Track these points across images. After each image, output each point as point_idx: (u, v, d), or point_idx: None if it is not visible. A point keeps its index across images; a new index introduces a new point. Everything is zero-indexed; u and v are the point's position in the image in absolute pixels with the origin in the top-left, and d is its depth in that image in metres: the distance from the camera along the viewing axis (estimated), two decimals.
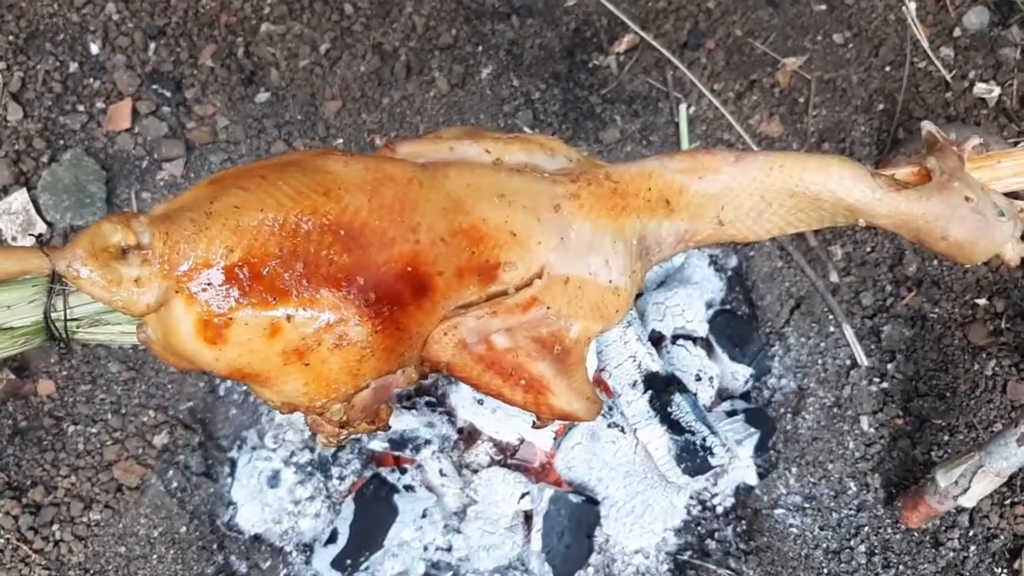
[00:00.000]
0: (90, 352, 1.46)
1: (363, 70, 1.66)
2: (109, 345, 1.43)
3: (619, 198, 0.92)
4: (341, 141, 1.62)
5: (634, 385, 1.44)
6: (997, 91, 1.79)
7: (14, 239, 1.49)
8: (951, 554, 1.41)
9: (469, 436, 1.46)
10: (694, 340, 1.54)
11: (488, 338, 0.87)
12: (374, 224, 0.80)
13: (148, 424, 1.45)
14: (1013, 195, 1.05)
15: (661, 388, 1.43)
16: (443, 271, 0.82)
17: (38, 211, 1.52)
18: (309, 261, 0.78)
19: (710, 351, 1.55)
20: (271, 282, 0.77)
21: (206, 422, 1.50)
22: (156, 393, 1.48)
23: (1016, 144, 1.71)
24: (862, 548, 1.43)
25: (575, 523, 1.39)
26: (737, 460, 1.46)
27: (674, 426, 1.41)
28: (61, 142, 1.58)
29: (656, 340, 1.53)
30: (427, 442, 1.41)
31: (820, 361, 1.55)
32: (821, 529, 1.45)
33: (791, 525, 1.45)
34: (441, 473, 1.42)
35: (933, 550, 1.41)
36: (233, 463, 1.47)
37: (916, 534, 1.43)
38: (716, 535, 1.46)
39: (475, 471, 1.44)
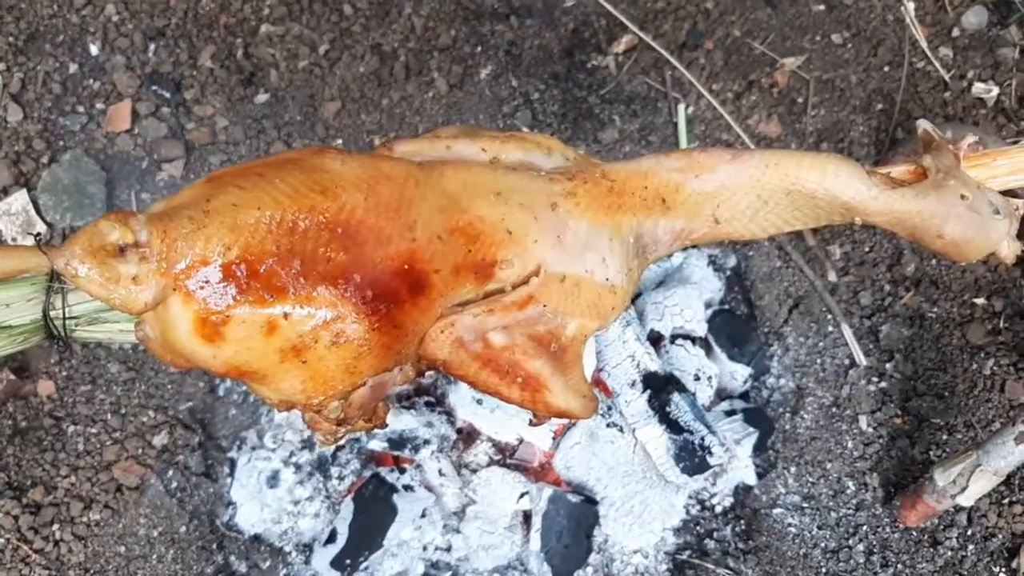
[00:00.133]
0: (90, 353, 1.46)
1: (362, 71, 1.67)
2: (108, 344, 1.44)
3: (615, 196, 0.92)
4: (340, 141, 1.62)
5: (633, 385, 1.44)
6: (995, 91, 1.79)
7: (14, 240, 1.49)
8: (949, 553, 1.41)
9: (468, 436, 1.46)
10: (693, 340, 1.54)
11: (485, 336, 0.87)
12: (371, 222, 0.81)
13: (148, 424, 1.46)
14: (1009, 193, 1.06)
15: (660, 388, 1.44)
16: (440, 269, 0.83)
17: (38, 212, 1.53)
18: (306, 259, 0.78)
19: (709, 351, 1.56)
20: (268, 280, 0.77)
21: (206, 422, 1.50)
22: (156, 393, 1.48)
23: (1014, 143, 1.71)
24: (860, 547, 1.43)
25: (574, 523, 1.39)
26: (736, 460, 1.46)
27: (673, 425, 1.41)
28: (61, 143, 1.59)
29: (655, 340, 1.53)
30: (426, 442, 1.42)
31: (819, 361, 1.55)
32: (820, 528, 1.45)
33: (790, 524, 1.45)
34: (440, 473, 1.42)
35: (931, 549, 1.41)
36: (232, 463, 1.47)
37: (914, 533, 1.43)
38: (715, 534, 1.46)
39: (474, 471, 1.44)
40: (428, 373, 1.39)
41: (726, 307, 1.61)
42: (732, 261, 1.64)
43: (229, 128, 1.61)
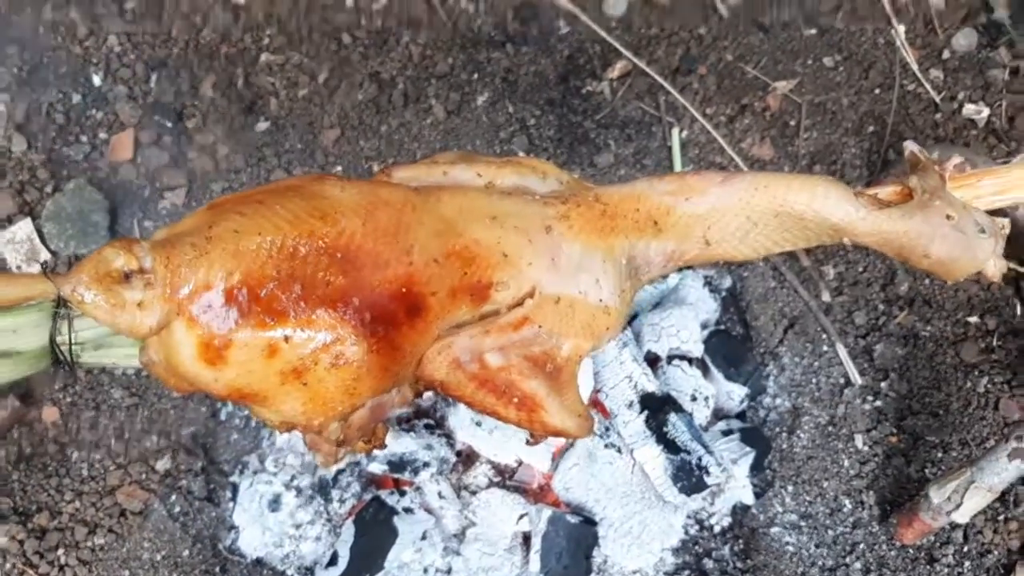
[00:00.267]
0: (93, 379, 1.48)
1: (361, 98, 1.70)
2: (113, 369, 1.46)
3: (608, 219, 0.95)
4: (340, 168, 1.65)
5: (630, 405, 1.45)
6: (986, 112, 1.82)
7: (19, 268, 1.51)
8: (946, 570, 1.42)
9: (467, 458, 1.47)
10: (689, 360, 1.55)
11: (481, 357, 0.89)
12: (369, 247, 0.83)
13: (151, 449, 1.47)
14: (996, 212, 1.08)
15: (657, 408, 1.45)
16: (436, 291, 0.85)
17: (42, 240, 1.55)
18: (306, 283, 0.80)
19: (705, 371, 1.57)
20: (269, 304, 0.79)
21: (208, 447, 1.52)
22: (159, 419, 1.50)
23: (1002, 163, 1.73)
24: (858, 565, 1.44)
25: (573, 544, 1.40)
26: (733, 479, 1.48)
27: (670, 446, 1.42)
28: (65, 172, 1.61)
29: (652, 360, 1.55)
30: (426, 464, 1.43)
31: (814, 380, 1.57)
32: (817, 547, 1.46)
33: (787, 543, 1.46)
34: (440, 495, 1.43)
35: (928, 566, 1.42)
36: (235, 487, 1.48)
37: (911, 551, 1.44)
38: (713, 554, 1.47)
39: (474, 493, 1.45)
40: (427, 395, 1.41)
41: (722, 327, 1.63)
42: (728, 282, 1.66)
43: (230, 156, 1.64)
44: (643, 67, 1.78)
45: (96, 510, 1.42)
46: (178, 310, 0.79)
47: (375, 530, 1.38)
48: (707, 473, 1.40)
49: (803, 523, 1.47)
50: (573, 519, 1.40)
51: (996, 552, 1.42)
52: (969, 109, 1.83)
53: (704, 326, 1.61)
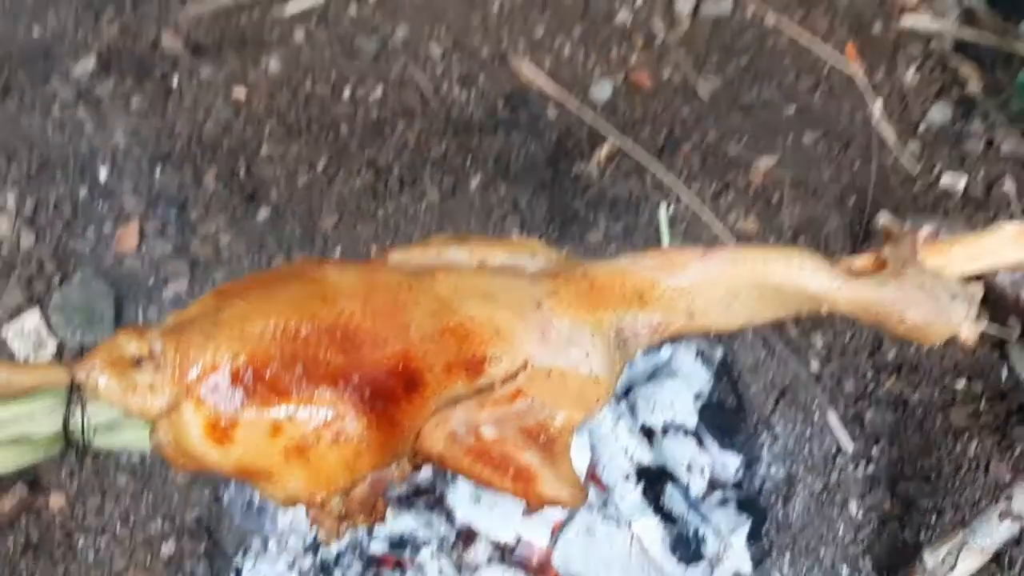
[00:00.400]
0: (99, 464, 1.51)
1: (358, 185, 1.76)
2: (124, 451, 1.48)
3: (596, 293, 0.99)
4: (339, 251, 1.70)
5: (627, 478, 1.48)
6: (964, 182, 1.89)
7: (27, 358, 1.55)
8: None
9: (467, 535, 1.49)
10: (684, 431, 1.58)
11: (477, 430, 0.92)
12: (368, 326, 0.87)
13: (155, 534, 1.49)
14: (968, 279, 1.12)
15: (654, 480, 1.48)
16: (433, 367, 0.88)
17: (49, 330, 1.59)
18: (308, 362, 0.84)
19: (700, 441, 1.60)
20: (273, 384, 0.83)
21: (211, 530, 1.53)
22: (163, 503, 1.52)
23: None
24: None
25: None
26: (731, 548, 1.49)
27: (667, 517, 1.45)
28: (71, 264, 1.66)
29: (647, 433, 1.57)
30: (426, 542, 1.44)
31: (807, 447, 1.60)
32: None
33: None
34: (441, 572, 1.44)
35: None
36: (238, 571, 1.50)
37: None
38: None
39: (475, 570, 1.47)
40: (425, 476, 1.44)
41: (715, 398, 1.66)
42: (719, 353, 1.70)
43: (232, 244, 1.69)
44: (629, 148, 1.85)
45: None
46: (187, 392, 0.82)
47: None
48: (704, 543, 1.42)
49: None
50: None
51: None
52: (947, 180, 1.89)
53: (697, 397, 1.65)
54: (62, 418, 0.88)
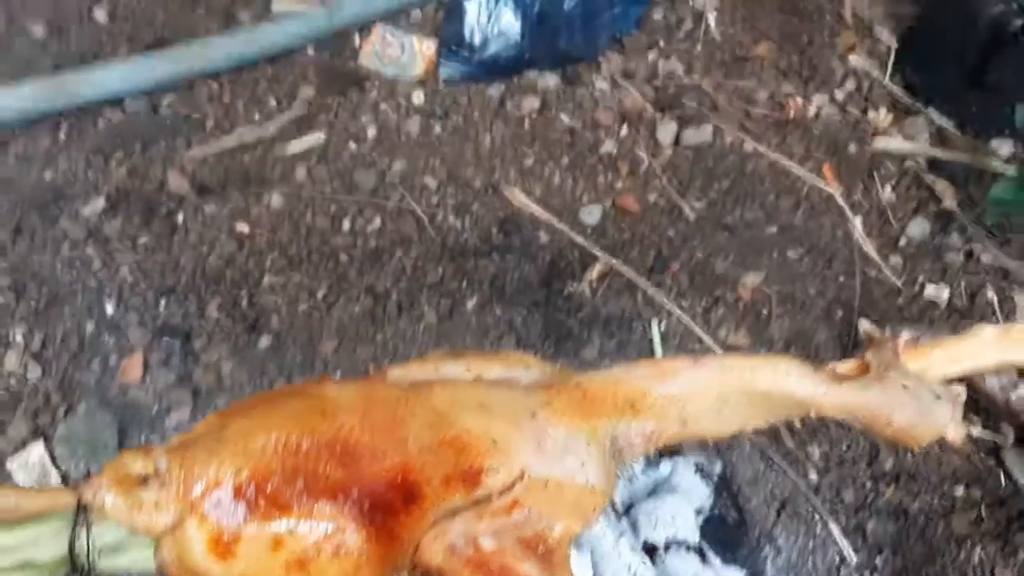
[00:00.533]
0: None
1: (357, 311, 1.81)
2: (128, 572, 1.47)
3: (589, 403, 1.02)
4: (339, 375, 1.73)
5: None
6: (947, 293, 1.94)
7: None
8: None
9: None
10: (687, 547, 1.58)
11: (476, 541, 0.93)
12: (366, 440, 0.89)
13: None
14: (952, 381, 1.15)
15: None
16: (431, 479, 0.91)
17: (53, 462, 1.61)
18: (309, 476, 0.86)
19: (703, 557, 1.59)
20: (275, 498, 0.85)
21: None
22: None
23: None
24: None
25: None
26: None
27: None
28: (76, 396, 1.69)
29: (650, 550, 1.57)
30: None
31: (811, 560, 1.59)
32: None
33: None
34: None
35: None
36: None
37: None
38: None
39: None
40: None
41: (716, 512, 1.66)
42: (718, 468, 1.70)
43: (234, 372, 1.73)
44: (619, 268, 1.90)
45: None
46: (191, 508, 0.84)
47: None
48: None
49: None
50: None
51: None
52: (930, 291, 1.94)
53: (699, 512, 1.64)
54: (67, 541, 0.90)
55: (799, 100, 2.23)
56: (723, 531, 1.62)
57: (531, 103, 2.14)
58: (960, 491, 1.65)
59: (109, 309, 1.79)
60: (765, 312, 1.88)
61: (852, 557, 1.57)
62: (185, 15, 2.25)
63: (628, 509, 1.63)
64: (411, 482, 0.90)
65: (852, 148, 2.16)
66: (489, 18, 2.14)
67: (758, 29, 2.35)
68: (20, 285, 1.80)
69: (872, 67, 2.31)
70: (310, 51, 2.21)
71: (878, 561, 1.57)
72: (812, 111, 2.22)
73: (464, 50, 2.14)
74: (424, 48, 2.22)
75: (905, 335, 1.14)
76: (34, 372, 1.70)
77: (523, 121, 2.12)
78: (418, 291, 1.85)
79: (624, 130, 2.13)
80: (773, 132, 2.17)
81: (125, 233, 1.88)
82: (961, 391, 1.13)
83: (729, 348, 1.81)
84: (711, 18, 2.37)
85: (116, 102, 2.06)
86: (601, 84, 2.20)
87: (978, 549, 1.55)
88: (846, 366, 1.12)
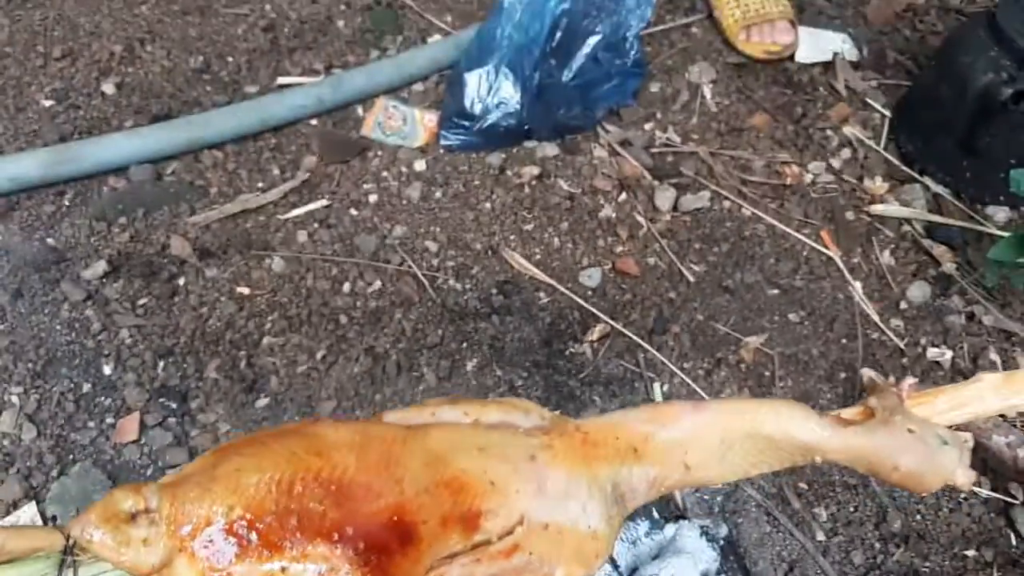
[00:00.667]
0: None
1: (356, 371, 1.80)
2: None
3: (590, 447, 1.00)
4: None
5: None
6: (949, 354, 1.93)
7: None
8: None
9: None
10: None
11: None
12: (361, 479, 0.88)
13: None
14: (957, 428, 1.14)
15: None
16: (427, 520, 0.89)
17: (45, 523, 1.57)
18: (302, 515, 0.84)
19: None
20: (267, 537, 0.83)
21: None
22: None
23: None
24: None
25: None
26: None
27: None
28: (71, 456, 1.67)
29: None
30: None
31: None
32: None
33: None
34: None
35: None
36: None
37: None
38: None
39: None
40: None
41: (722, 575, 1.62)
42: (723, 530, 1.67)
43: (231, 432, 1.71)
44: (620, 329, 1.90)
45: None
46: (180, 546, 0.82)
47: None
48: None
49: None
50: None
51: None
52: (933, 352, 1.93)
53: (704, 575, 1.61)
54: None
55: (795, 168, 2.26)
56: None
57: (530, 171, 2.16)
58: (971, 552, 1.61)
59: (107, 370, 1.78)
60: (768, 374, 1.86)
61: None
62: (192, 88, 2.29)
63: (632, 572, 1.59)
64: (407, 523, 0.88)
65: (849, 214, 2.18)
66: (490, 90, 2.17)
67: (753, 101, 2.39)
68: (18, 347, 1.79)
69: (866, 136, 2.34)
70: (314, 122, 2.24)
71: None
72: (809, 178, 2.24)
73: (465, 120, 2.18)
74: (426, 120, 2.26)
75: (909, 381, 1.13)
76: (29, 433, 1.68)
77: (523, 187, 2.14)
78: (418, 352, 1.84)
79: (623, 196, 2.15)
80: (771, 198, 2.18)
81: (125, 295, 1.88)
82: (968, 437, 1.11)
83: None
84: (707, 90, 2.41)
85: (121, 170, 2.08)
86: (599, 152, 2.23)
87: None
88: (850, 412, 1.11)
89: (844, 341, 1.94)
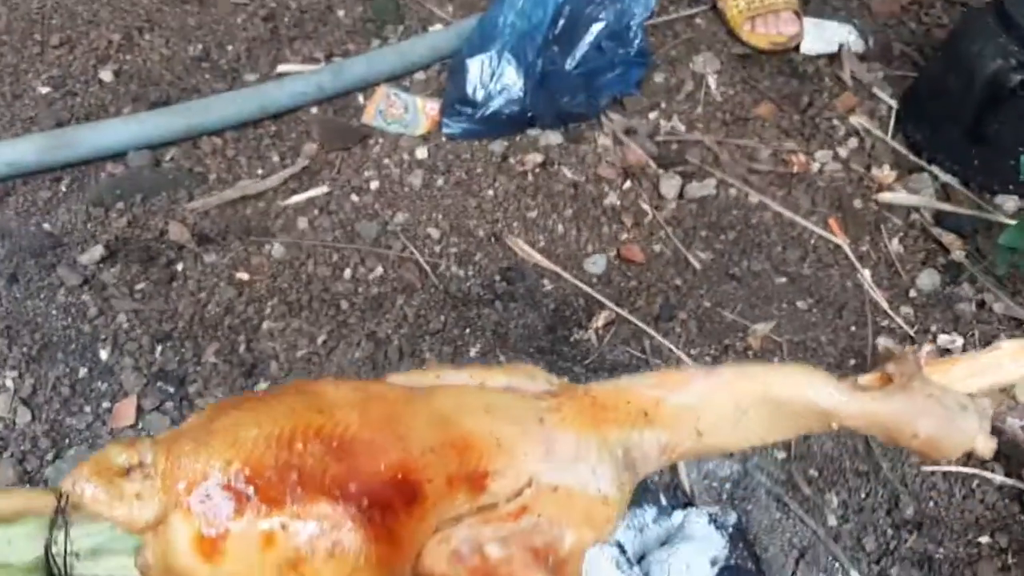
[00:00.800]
0: None
1: (358, 356, 1.76)
2: None
3: (600, 410, 0.97)
4: None
5: None
6: (960, 341, 1.89)
7: None
8: None
9: None
10: None
11: (482, 548, 0.87)
12: (365, 436, 0.85)
13: None
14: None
15: None
16: (432, 479, 0.85)
17: None
18: (303, 471, 0.81)
19: None
20: (266, 492, 0.79)
21: None
22: None
23: None
24: None
25: None
26: None
27: None
28: (66, 441, 1.64)
29: None
30: None
31: None
32: None
33: None
34: None
35: None
36: None
37: None
38: None
39: None
40: None
41: (733, 563, 1.58)
42: (732, 518, 1.63)
43: None
44: (626, 316, 1.87)
45: None
46: (176, 502, 0.79)
47: None
48: None
49: None
50: None
51: None
52: (943, 340, 1.90)
53: (714, 563, 1.57)
54: (43, 543, 0.84)
55: (802, 157, 2.23)
56: None
57: (534, 158, 2.14)
58: (985, 539, 1.57)
59: (103, 355, 1.74)
60: (776, 360, 1.83)
61: None
62: (191, 76, 2.26)
63: (640, 559, 1.55)
64: (412, 481, 0.84)
65: (857, 203, 2.15)
66: (492, 75, 2.15)
67: (758, 91, 2.37)
68: (13, 331, 1.76)
69: (873, 126, 2.32)
70: (314, 110, 2.22)
71: None
72: (816, 167, 2.21)
73: (467, 106, 2.15)
74: (427, 108, 2.23)
75: (927, 348, 1.10)
76: (23, 417, 1.64)
77: (526, 175, 2.11)
78: (420, 338, 1.81)
79: (627, 184, 2.12)
80: (777, 187, 2.16)
81: (123, 280, 1.85)
82: (988, 404, 1.08)
83: None
84: (711, 81, 2.39)
85: (118, 157, 2.06)
86: (604, 141, 2.20)
87: None
88: (867, 378, 1.08)
89: (853, 329, 1.91)
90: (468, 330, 1.83)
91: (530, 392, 1.00)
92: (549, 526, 0.90)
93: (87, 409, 1.67)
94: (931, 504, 1.62)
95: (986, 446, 1.03)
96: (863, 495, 1.63)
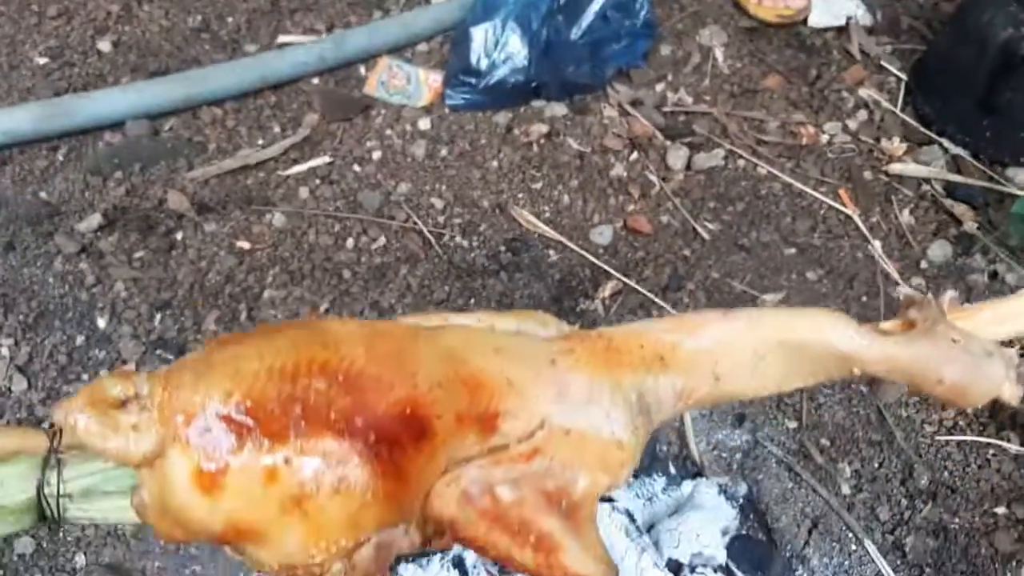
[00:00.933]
0: None
1: None
2: (102, 523, 1.35)
3: (614, 353, 0.93)
4: None
5: None
6: None
7: None
8: None
9: None
10: (713, 567, 1.46)
11: (492, 490, 0.84)
12: (372, 371, 0.81)
13: None
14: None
15: None
16: (441, 415, 0.82)
17: None
18: (307, 404, 0.77)
19: None
20: (268, 425, 0.76)
21: None
22: None
23: None
24: None
25: None
26: None
27: None
28: None
29: (675, 569, 1.45)
30: None
31: None
32: None
33: None
34: None
35: None
36: None
37: None
38: None
39: None
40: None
41: (744, 532, 1.55)
42: (743, 489, 1.60)
43: None
44: (634, 286, 1.83)
45: None
46: (173, 435, 0.75)
47: None
48: None
49: None
50: None
51: None
52: None
53: (724, 532, 1.53)
54: (35, 484, 0.81)
55: (811, 128, 2.20)
56: (752, 551, 1.50)
57: (539, 129, 2.11)
58: (1001, 509, 1.54)
59: (101, 323, 1.71)
60: None
61: None
62: (190, 47, 2.23)
63: (650, 528, 1.51)
64: (421, 416, 0.81)
65: (867, 174, 2.12)
66: (496, 44, 2.12)
67: (766, 63, 2.34)
68: (9, 299, 1.73)
69: (883, 99, 2.28)
70: (315, 80, 2.18)
71: None
72: (825, 139, 2.18)
73: (471, 76, 2.12)
74: (430, 80, 2.20)
75: (950, 294, 1.06)
76: (19, 384, 1.61)
77: (531, 146, 2.08)
78: (424, 307, 1.77)
79: (634, 155, 2.09)
80: (786, 158, 2.12)
81: (121, 249, 1.81)
82: (1014, 353, 1.04)
83: None
84: (718, 53, 2.36)
85: (116, 126, 2.02)
86: (609, 112, 2.17)
87: None
88: (889, 324, 1.04)
89: (864, 299, 1.88)
90: (473, 300, 1.79)
91: (541, 336, 0.97)
92: (562, 469, 0.87)
93: (84, 377, 1.64)
94: (946, 474, 1.58)
95: (1013, 393, 1.00)
96: (876, 464, 1.60)
